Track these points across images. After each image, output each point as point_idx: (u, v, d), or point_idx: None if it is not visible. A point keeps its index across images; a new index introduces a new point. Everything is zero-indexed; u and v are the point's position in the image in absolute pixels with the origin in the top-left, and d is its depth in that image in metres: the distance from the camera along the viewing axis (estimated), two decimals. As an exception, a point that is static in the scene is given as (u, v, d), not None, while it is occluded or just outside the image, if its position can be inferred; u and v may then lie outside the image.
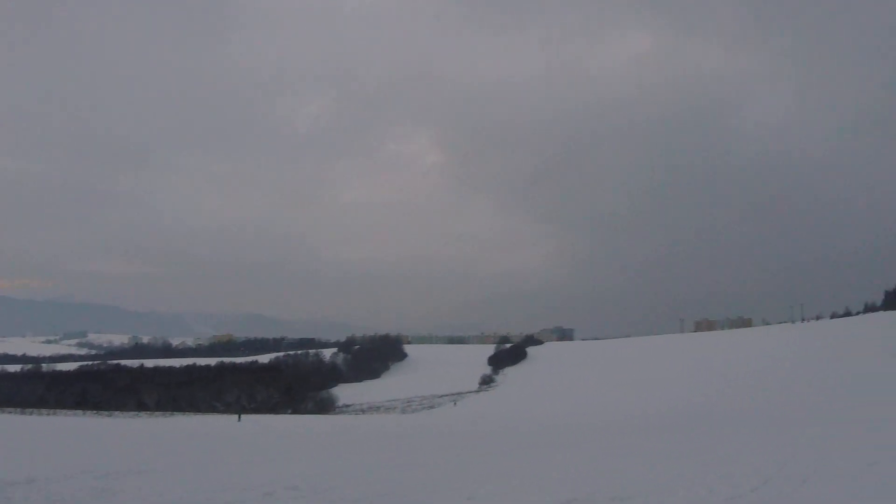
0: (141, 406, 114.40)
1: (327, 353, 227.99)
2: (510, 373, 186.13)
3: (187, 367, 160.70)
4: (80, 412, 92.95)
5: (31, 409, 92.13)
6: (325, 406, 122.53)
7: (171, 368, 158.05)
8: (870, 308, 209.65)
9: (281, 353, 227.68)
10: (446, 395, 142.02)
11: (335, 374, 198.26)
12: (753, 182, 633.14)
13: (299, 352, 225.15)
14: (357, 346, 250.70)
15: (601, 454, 22.65)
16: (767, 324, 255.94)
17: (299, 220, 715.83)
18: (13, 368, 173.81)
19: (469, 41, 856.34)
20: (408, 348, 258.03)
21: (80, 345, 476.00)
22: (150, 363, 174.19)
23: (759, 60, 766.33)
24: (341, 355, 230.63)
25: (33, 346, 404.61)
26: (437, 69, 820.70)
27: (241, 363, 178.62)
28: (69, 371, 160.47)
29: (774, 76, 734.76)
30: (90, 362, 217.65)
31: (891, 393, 45.33)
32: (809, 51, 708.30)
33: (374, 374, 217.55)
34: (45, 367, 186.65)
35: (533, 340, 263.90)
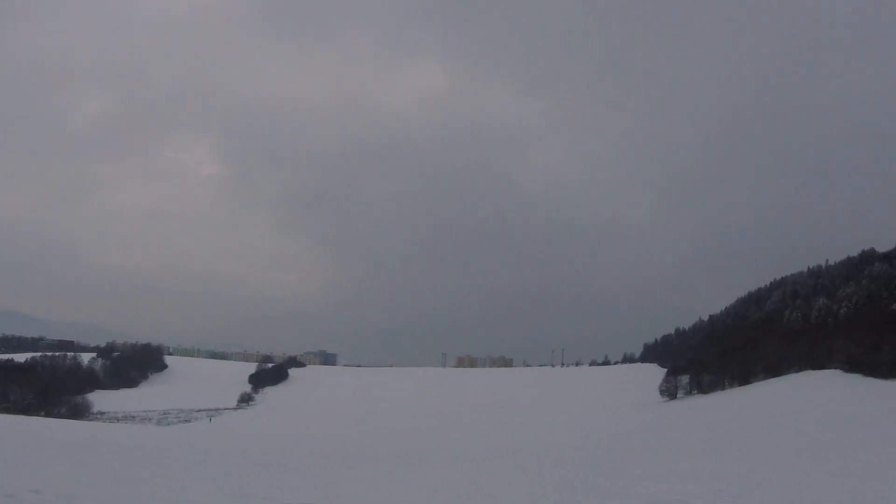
0: None
1: (86, 358, 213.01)
2: (270, 392, 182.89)
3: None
4: None
5: None
6: (80, 411, 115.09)
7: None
8: (628, 359, 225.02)
9: (38, 354, 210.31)
10: (203, 410, 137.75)
11: (92, 380, 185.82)
12: (529, 234, 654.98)
13: (57, 354, 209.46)
14: (117, 353, 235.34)
15: (330, 481, 22.78)
16: (528, 365, 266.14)
17: (66, 219, 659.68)
18: None
19: (261, 55, 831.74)
20: (168, 359, 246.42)
21: None
22: None
23: (551, 114, 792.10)
24: (100, 361, 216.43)
25: None
26: (224, 79, 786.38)
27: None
28: None
29: (570, 131, 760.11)
30: None
31: (638, 441, 48.41)
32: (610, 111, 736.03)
33: (133, 382, 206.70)
34: None
35: (295, 362, 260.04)
